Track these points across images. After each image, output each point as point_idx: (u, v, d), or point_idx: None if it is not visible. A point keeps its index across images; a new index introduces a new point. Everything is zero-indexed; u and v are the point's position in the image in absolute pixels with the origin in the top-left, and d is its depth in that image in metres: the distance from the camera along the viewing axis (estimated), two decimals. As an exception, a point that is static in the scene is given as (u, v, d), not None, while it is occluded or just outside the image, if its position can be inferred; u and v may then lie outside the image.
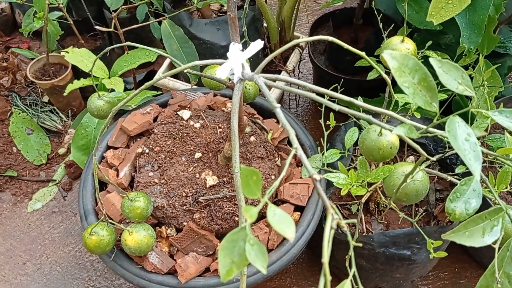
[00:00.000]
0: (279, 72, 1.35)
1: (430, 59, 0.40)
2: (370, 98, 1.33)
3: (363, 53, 0.56)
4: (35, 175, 1.44)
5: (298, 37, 1.41)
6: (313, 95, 0.49)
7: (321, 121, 0.93)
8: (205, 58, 1.24)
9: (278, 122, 1.10)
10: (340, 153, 0.92)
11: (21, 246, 1.32)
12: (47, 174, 1.44)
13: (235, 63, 0.62)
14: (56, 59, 1.46)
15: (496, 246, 0.49)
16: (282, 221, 0.36)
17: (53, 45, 1.38)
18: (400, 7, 1.06)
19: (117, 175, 0.98)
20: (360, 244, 0.43)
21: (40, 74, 1.44)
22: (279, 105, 0.47)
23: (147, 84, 0.67)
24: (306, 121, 1.57)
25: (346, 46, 0.55)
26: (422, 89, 0.42)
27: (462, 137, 0.39)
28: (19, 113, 1.50)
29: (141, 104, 1.12)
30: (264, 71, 1.38)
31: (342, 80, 1.43)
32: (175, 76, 1.35)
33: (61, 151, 1.46)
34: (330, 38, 0.54)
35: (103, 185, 1.01)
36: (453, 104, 1.23)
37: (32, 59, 1.52)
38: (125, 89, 1.45)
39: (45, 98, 1.56)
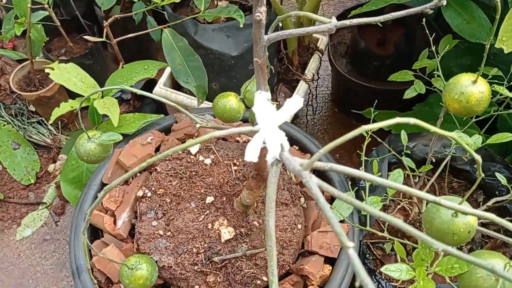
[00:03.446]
0: (296, 82, 1.18)
1: None
2: (401, 110, 1.17)
3: (453, 135, 0.40)
4: (23, 196, 1.29)
5: (317, 40, 1.24)
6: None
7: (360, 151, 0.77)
8: (212, 71, 1.07)
9: (300, 150, 0.94)
10: (381, 200, 0.77)
11: (11, 280, 1.18)
12: (36, 195, 1.29)
13: (267, 134, 0.47)
14: (42, 65, 1.29)
15: None
16: None
17: (38, 51, 1.21)
18: (447, 16, 0.89)
19: (114, 223, 0.83)
20: None
21: (24, 84, 1.27)
22: (352, 244, 0.31)
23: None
24: (324, 130, 1.41)
25: (440, 132, 0.38)
26: None
27: None
28: (4, 125, 1.34)
29: (140, 130, 0.96)
30: (279, 80, 1.22)
31: (365, 88, 1.27)
32: (178, 87, 1.18)
33: (51, 167, 1.31)
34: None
35: (98, 232, 0.86)
36: (498, 121, 1.07)
37: (18, 61, 1.35)
38: (121, 100, 1.29)
39: (33, 107, 1.39)
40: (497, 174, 0.76)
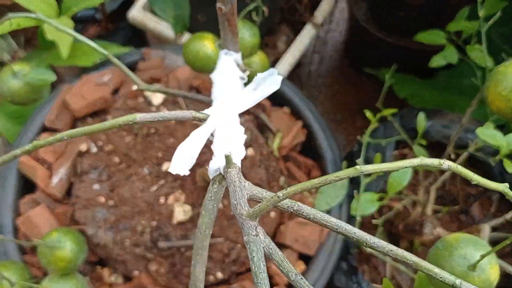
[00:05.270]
0: (302, 25, 0.98)
1: None
2: (422, 75, 0.97)
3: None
4: (-24, 117, 1.13)
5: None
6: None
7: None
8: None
9: (293, 114, 0.76)
10: (378, 198, 0.61)
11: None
12: (-9, 118, 1.13)
13: (219, 125, 0.31)
14: (5, -35, 1.08)
15: None
16: None
17: None
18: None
19: (50, 178, 0.68)
20: None
21: (-20, -14, 1.07)
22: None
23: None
24: (328, 83, 1.22)
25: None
26: None
27: None
28: (-40, 31, 1.15)
29: (99, 64, 0.78)
30: (282, 19, 1.01)
31: (384, 43, 1.06)
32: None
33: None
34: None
35: (32, 185, 0.71)
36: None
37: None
38: (93, 20, 1.10)
39: (-5, 14, 1.20)
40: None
